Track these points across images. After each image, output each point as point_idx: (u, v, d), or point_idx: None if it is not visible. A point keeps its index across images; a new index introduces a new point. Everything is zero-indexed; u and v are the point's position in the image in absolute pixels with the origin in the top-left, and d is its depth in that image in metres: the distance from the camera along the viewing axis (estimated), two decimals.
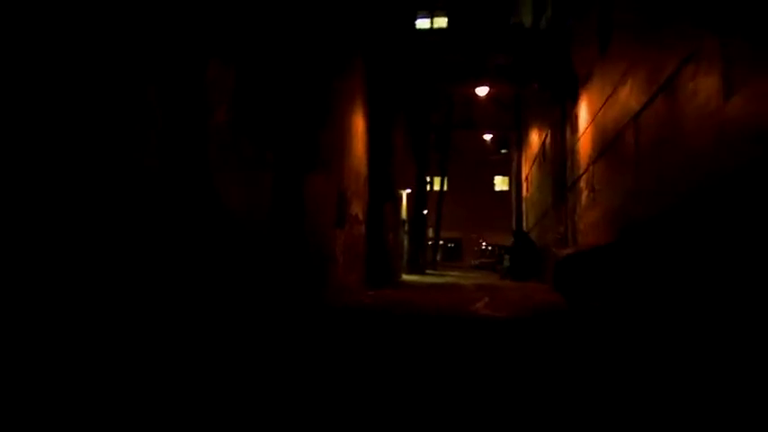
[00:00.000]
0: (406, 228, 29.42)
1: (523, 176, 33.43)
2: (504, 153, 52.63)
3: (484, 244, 54.09)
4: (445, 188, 43.56)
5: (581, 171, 16.47)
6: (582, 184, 16.34)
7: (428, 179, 41.57)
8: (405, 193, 28.28)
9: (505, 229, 49.77)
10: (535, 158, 28.57)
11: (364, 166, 17.66)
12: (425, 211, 36.63)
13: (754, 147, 6.32)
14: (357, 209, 16.57)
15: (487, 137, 42.06)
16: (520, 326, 9.64)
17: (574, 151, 17.31)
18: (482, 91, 20.62)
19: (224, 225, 7.53)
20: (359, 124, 16.97)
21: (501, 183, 60.99)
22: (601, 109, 13.98)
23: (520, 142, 33.69)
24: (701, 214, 7.55)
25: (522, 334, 8.60)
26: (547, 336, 8.33)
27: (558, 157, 18.02)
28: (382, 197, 18.32)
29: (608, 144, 13.31)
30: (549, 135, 23.45)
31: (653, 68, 9.97)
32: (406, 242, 29.63)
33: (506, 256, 28.30)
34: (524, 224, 32.17)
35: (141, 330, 5.51)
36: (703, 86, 7.70)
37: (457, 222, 56.56)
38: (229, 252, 7.68)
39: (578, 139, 16.76)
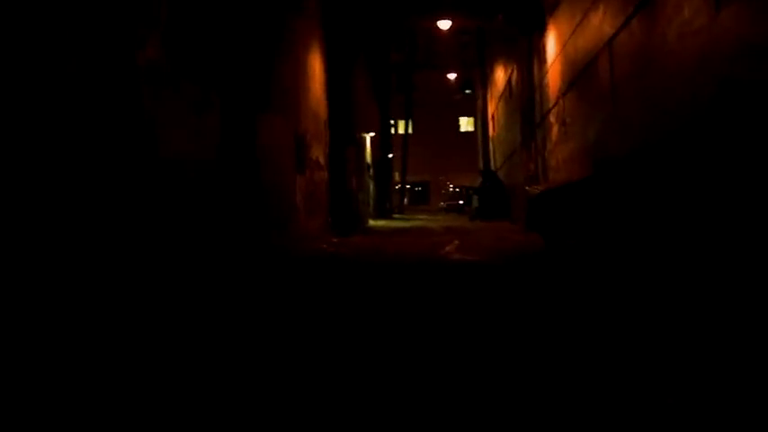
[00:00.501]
0: (371, 172, 28.64)
1: (489, 115, 32.68)
2: (468, 93, 51.76)
3: (451, 186, 53.47)
4: (410, 131, 42.76)
5: (550, 105, 15.78)
6: (551, 118, 15.66)
7: (392, 122, 40.75)
8: (368, 136, 27.42)
9: (472, 170, 49.06)
10: (501, 96, 27.81)
11: (324, 109, 16.80)
12: (391, 155, 35.85)
13: (751, 64, 5.63)
14: (318, 153, 15.77)
15: (451, 76, 41.01)
16: (495, 270, 9.01)
17: (542, 85, 16.59)
18: (444, 25, 19.70)
19: (163, 173, 6.74)
20: (316, 64, 16.06)
21: (466, 124, 60.22)
22: (570, 37, 13.24)
23: (485, 80, 32.81)
24: (688, 144, 6.90)
25: (499, 278, 7.96)
26: (524, 279, 7.71)
27: (526, 93, 17.30)
28: (344, 141, 17.52)
29: (579, 74, 12.61)
30: (515, 70, 22.67)
31: None
32: (372, 187, 28.89)
33: (475, 197, 27.68)
34: (492, 164, 31.52)
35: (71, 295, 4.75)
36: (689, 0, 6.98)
37: (423, 165, 55.85)
38: (169, 201, 6.90)
39: (546, 72, 16.03)
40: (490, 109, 32.39)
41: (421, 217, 34.48)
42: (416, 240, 15.36)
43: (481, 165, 36.19)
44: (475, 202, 27.35)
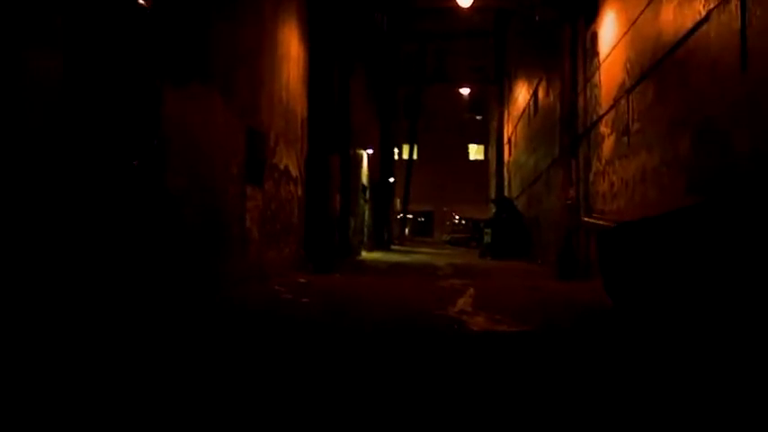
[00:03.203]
0: (368, 196, 24.61)
1: (506, 138, 28.70)
2: (479, 119, 47.93)
3: (457, 218, 49.35)
4: (415, 156, 38.85)
5: (601, 111, 11.80)
6: (603, 128, 11.67)
7: (396, 147, 36.82)
8: (365, 153, 23.45)
9: (480, 201, 45.22)
10: (521, 116, 23.89)
11: (302, 105, 12.82)
12: (392, 180, 31.86)
13: None
14: (288, 160, 11.76)
15: (464, 91, 36.90)
16: (549, 351, 5.03)
17: (590, 86, 12.63)
18: (465, 1, 15.77)
19: None
20: (292, 44, 12.11)
21: (476, 152, 56.11)
22: (646, 8, 9.29)
23: (502, 98, 28.89)
24: None
25: (558, 369, 3.99)
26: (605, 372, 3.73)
27: (567, 97, 13.35)
28: (327, 148, 13.50)
29: (660, 58, 8.63)
30: (543, 80, 18.77)
31: None
32: (367, 213, 24.85)
33: (487, 230, 23.48)
34: (507, 193, 27.52)
35: None
36: None
37: (428, 194, 51.71)
38: None
39: (597, 69, 12.08)
40: (507, 131, 28.43)
41: (423, 250, 30.36)
42: (416, 284, 11.28)
43: (492, 193, 32.19)
44: (487, 237, 23.17)
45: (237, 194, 8.91)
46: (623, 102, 10.45)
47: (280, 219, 11.17)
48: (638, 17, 9.71)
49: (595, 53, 12.32)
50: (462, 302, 8.30)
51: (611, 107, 11.12)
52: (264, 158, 10.28)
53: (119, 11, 5.94)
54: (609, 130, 11.37)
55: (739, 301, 5.63)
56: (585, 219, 10.40)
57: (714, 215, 5.75)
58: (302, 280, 10.50)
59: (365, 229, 24.41)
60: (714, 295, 5.70)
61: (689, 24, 7.67)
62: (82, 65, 5.26)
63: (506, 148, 28.82)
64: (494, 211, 24.27)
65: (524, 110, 23.01)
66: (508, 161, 28.28)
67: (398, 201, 38.89)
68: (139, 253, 6.12)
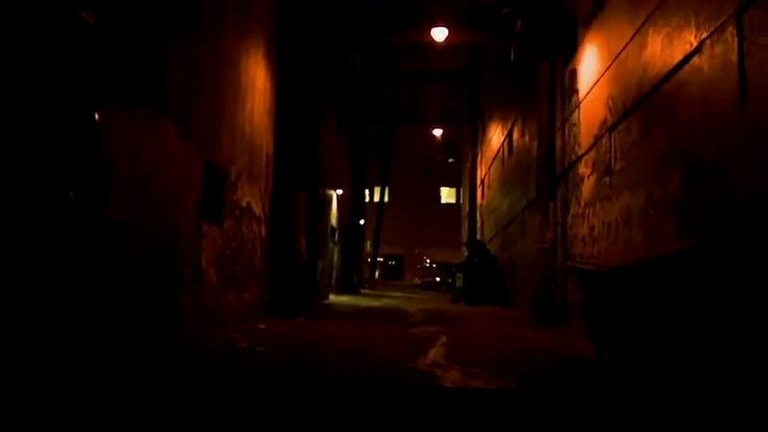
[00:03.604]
0: (336, 238, 23.93)
1: (479, 180, 28.24)
2: (451, 162, 47.62)
3: (428, 261, 48.78)
4: (386, 199, 38.28)
5: (581, 151, 11.29)
6: (582, 168, 11.15)
7: (367, 189, 36.23)
8: (335, 194, 22.84)
9: (452, 245, 44.75)
10: (495, 157, 23.46)
11: (267, 140, 12.20)
12: (362, 221, 31.22)
13: None
14: (251, 198, 11.09)
15: (437, 132, 36.40)
16: (532, 412, 4.39)
17: (568, 125, 12.14)
18: (440, 35, 15.15)
19: None
20: (258, 75, 11.52)
21: (447, 195, 55.77)
22: (631, 42, 8.82)
23: (475, 139, 28.45)
24: None
25: None
26: None
27: (546, 136, 12.83)
28: (294, 186, 12.86)
29: (645, 93, 8.13)
30: (519, 119, 18.35)
31: None
32: (336, 256, 24.14)
33: (459, 275, 22.83)
34: (479, 237, 26.96)
35: None
36: None
37: (399, 237, 51.15)
38: None
39: (577, 107, 11.60)
40: (480, 173, 28.00)
41: (393, 294, 29.64)
42: (385, 332, 10.59)
43: (465, 236, 31.65)
44: (459, 281, 22.51)
45: (192, 232, 8.22)
46: (605, 140, 9.94)
47: (240, 260, 10.46)
48: (621, 51, 9.25)
49: (574, 91, 11.86)
50: (434, 353, 7.63)
51: (592, 146, 10.61)
52: (224, 195, 9.61)
53: (56, 23, 5.30)
54: (589, 171, 10.85)
55: (742, 352, 5.04)
56: (569, 263, 9.82)
57: (713, 259, 5.17)
58: (262, 326, 9.76)
59: (334, 272, 23.70)
60: (712, 345, 5.10)
61: (678, 57, 7.18)
62: (8, 80, 4.60)
63: (479, 190, 28.36)
64: (466, 254, 23.67)
65: (498, 151, 22.58)
66: (481, 203, 27.80)
67: (369, 243, 38.26)
68: (66, 294, 5.40)
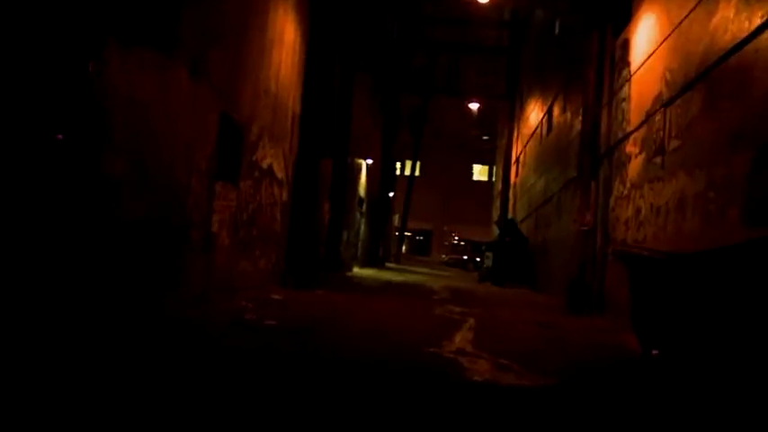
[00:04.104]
0: (364, 209, 23.22)
1: (513, 158, 27.31)
2: (486, 139, 46.60)
3: (456, 238, 47.93)
4: (417, 173, 37.45)
5: (629, 128, 10.44)
6: (630, 147, 10.32)
7: (398, 163, 35.33)
8: (364, 164, 22.08)
9: (482, 223, 43.92)
10: (533, 133, 22.54)
11: (294, 100, 11.47)
12: (391, 194, 30.46)
13: None
14: (274, 159, 10.41)
15: (473, 107, 35.36)
16: (575, 418, 3.69)
17: (616, 101, 11.28)
18: None
19: None
20: (288, 31, 10.78)
21: (480, 172, 54.78)
22: (693, 11, 7.96)
23: (512, 115, 27.49)
24: None
25: None
26: None
27: (590, 112, 11.96)
28: (321, 150, 12.14)
29: (712, 63, 7.28)
30: (561, 95, 17.43)
31: None
32: (363, 227, 23.46)
33: (488, 254, 22.00)
34: (511, 216, 26.10)
35: None
36: None
37: (428, 212, 50.36)
38: None
39: (628, 80, 10.73)
40: (515, 151, 27.09)
41: (419, 270, 28.93)
42: (407, 310, 9.89)
43: (495, 215, 30.84)
44: (488, 261, 21.69)
45: (203, 191, 7.54)
46: (658, 117, 9.09)
47: (258, 224, 9.79)
48: (683, 19, 8.37)
49: (626, 63, 10.98)
50: (460, 338, 6.91)
51: (643, 123, 9.76)
52: (242, 153, 8.91)
53: None
54: (637, 150, 10.01)
55: None
56: (616, 248, 9.01)
57: None
58: (276, 296, 9.09)
59: (359, 244, 23.03)
60: None
61: (757, 21, 6.32)
62: None
63: (514, 168, 27.48)
64: (497, 233, 22.87)
65: (536, 128, 21.68)
66: (515, 182, 26.93)
67: (397, 217, 37.53)
68: (56, 255, 4.75)
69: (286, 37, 10.62)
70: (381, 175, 26.99)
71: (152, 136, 6.13)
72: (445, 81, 30.05)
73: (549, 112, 19.10)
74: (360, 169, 21.37)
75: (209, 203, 7.80)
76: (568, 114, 16.07)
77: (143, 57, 5.86)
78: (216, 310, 7.11)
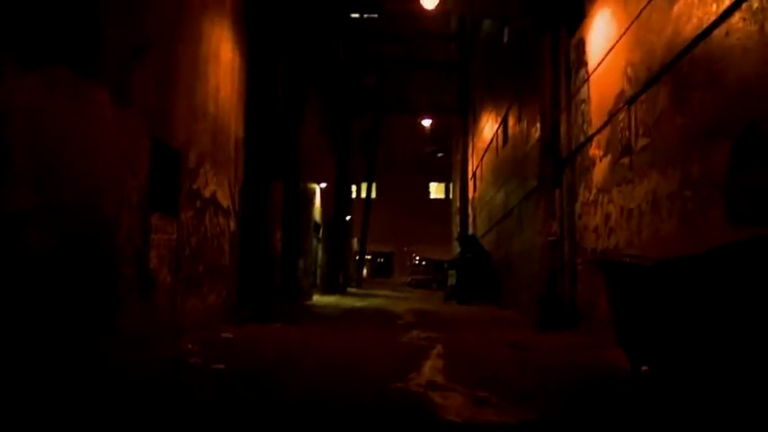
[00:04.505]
0: (321, 234, 22.51)
1: (470, 173, 26.84)
2: (441, 156, 46.19)
3: (417, 259, 47.35)
4: (373, 195, 36.85)
5: (591, 130, 9.95)
6: (594, 149, 9.82)
7: (354, 186, 34.66)
8: (318, 188, 21.40)
9: (442, 242, 43.42)
10: (488, 146, 22.09)
11: (236, 123, 10.81)
12: (348, 217, 29.78)
13: None
14: (217, 187, 9.71)
15: (426, 123, 34.85)
16: None
17: (574, 104, 10.80)
18: (428, 2, 13.67)
19: None
20: (224, 50, 10.13)
21: (437, 190, 54.36)
22: (650, 3, 7.49)
23: (466, 130, 27.00)
24: None
25: None
26: None
27: (549, 117, 11.44)
28: (268, 175, 11.45)
29: (679, 52, 6.79)
30: (515, 104, 16.99)
31: None
32: (320, 253, 22.73)
33: (451, 272, 21.44)
34: (472, 232, 25.59)
35: None
36: None
37: (387, 234, 49.68)
38: None
39: (585, 81, 10.26)
40: (472, 165, 26.66)
41: (382, 293, 28.25)
42: (371, 339, 9.22)
43: (455, 233, 30.33)
44: (451, 279, 21.13)
45: (136, 225, 6.82)
46: (622, 115, 8.61)
47: (204, 258, 9.07)
48: (642, 9, 7.90)
49: (582, 63, 10.53)
50: (429, 367, 6.28)
51: (606, 123, 9.27)
52: (180, 182, 8.20)
53: None
54: (602, 152, 9.52)
55: None
56: (591, 258, 8.47)
57: None
58: (227, 335, 8.36)
59: (318, 271, 22.30)
60: None
61: (727, 2, 5.84)
62: None
63: (471, 183, 27.02)
64: (458, 250, 22.32)
65: (492, 141, 21.23)
66: (473, 197, 26.46)
67: (356, 240, 36.86)
68: None
69: (223, 55, 9.96)
70: (337, 199, 26.32)
71: (69, 164, 5.42)
72: (396, 99, 29.58)
73: (504, 123, 18.65)
74: (314, 194, 20.69)
75: (145, 238, 7.07)
76: (524, 123, 15.61)
77: (53, 77, 5.17)
78: (157, 354, 6.38)
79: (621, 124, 8.64)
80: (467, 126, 26.98)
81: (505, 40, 18.77)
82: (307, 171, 18.25)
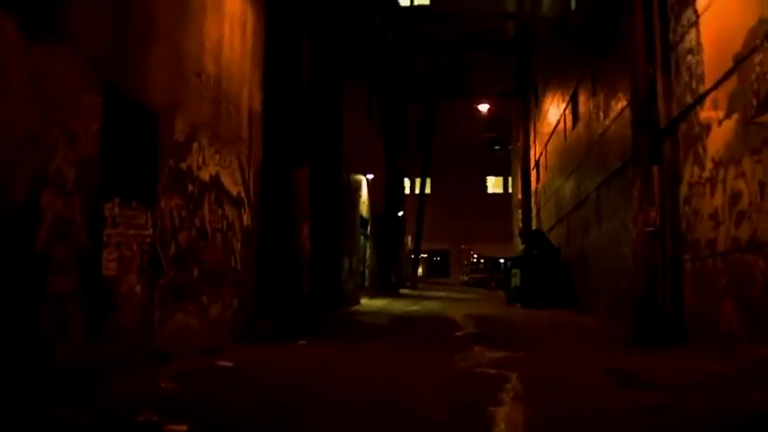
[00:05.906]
0: (369, 231, 20.33)
1: (532, 161, 24.42)
2: (498, 149, 43.68)
3: (475, 257, 44.88)
4: (428, 191, 34.64)
5: (702, 87, 7.62)
6: (707, 111, 7.51)
7: (407, 180, 32.39)
8: (365, 179, 19.25)
9: (500, 238, 41.14)
10: (554, 130, 19.71)
11: (250, 93, 8.73)
12: (401, 213, 27.59)
13: None
14: (221, 168, 7.68)
15: (482, 108, 32.36)
16: None
17: (676, 54, 8.43)
18: None
19: None
20: (232, 0, 8.04)
21: (494, 184, 51.62)
22: None
23: (527, 114, 24.57)
24: None
25: None
26: None
27: (642, 73, 9.02)
28: (292, 159, 9.34)
29: None
30: (587, 77, 14.60)
31: None
32: (369, 252, 20.57)
33: (515, 271, 18.95)
34: (536, 226, 23.21)
35: None
36: None
37: (443, 231, 47.20)
38: None
39: (694, 23, 7.90)
40: (534, 153, 24.26)
41: (437, 294, 25.98)
42: (417, 363, 7.00)
43: (516, 226, 27.99)
44: (515, 279, 18.65)
45: (75, 215, 4.74)
46: (760, 57, 6.24)
47: (200, 260, 6.99)
48: None
49: (686, 3, 8.15)
50: (504, 424, 4.06)
51: (729, 73, 6.92)
52: (159, 156, 6.11)
53: None
54: (721, 114, 7.19)
55: None
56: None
57: None
58: (226, 363, 6.23)
59: (366, 271, 20.14)
60: None
61: None
62: None
63: (533, 173, 24.61)
64: (522, 246, 19.93)
65: (558, 123, 18.84)
66: (536, 189, 24.07)
67: (410, 239, 34.64)
68: None
69: (228, 4, 7.88)
70: (387, 193, 24.18)
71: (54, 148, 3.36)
72: (450, 83, 27.27)
73: (573, 101, 16.28)
74: (359, 186, 18.56)
75: (95, 233, 5.00)
76: (600, 96, 13.25)
77: None
78: (95, 403, 4.30)
79: (758, 68, 6.28)
80: (528, 110, 24.61)
81: (573, 6, 16.47)
82: (351, 160, 16.18)
